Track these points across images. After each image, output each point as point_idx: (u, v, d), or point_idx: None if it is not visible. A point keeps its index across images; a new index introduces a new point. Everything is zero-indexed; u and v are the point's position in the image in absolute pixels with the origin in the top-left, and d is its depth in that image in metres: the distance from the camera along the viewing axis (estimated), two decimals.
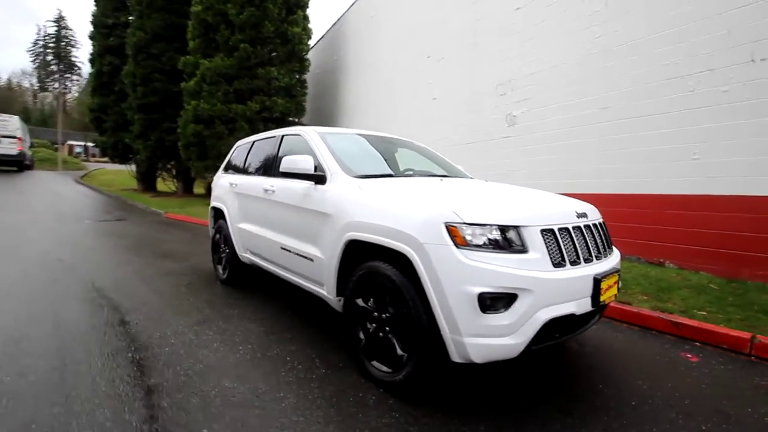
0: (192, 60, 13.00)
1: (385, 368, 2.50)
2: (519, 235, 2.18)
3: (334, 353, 3.04)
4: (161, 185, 19.92)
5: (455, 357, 2.15)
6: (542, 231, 2.23)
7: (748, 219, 4.61)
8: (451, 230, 2.15)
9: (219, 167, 5.73)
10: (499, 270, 2.08)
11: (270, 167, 4.11)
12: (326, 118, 14.87)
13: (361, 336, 2.68)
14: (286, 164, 3.23)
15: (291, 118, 13.92)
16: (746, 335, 3.25)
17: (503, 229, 2.17)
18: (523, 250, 2.16)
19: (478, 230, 2.14)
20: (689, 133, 5.08)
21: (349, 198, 2.85)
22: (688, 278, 4.76)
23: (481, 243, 2.12)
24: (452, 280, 2.10)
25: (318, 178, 3.19)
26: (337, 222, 2.86)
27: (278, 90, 13.55)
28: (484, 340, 2.07)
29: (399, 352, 2.42)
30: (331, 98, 14.86)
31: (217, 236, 4.99)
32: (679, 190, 5.18)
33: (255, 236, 4.10)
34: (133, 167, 20.04)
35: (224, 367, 2.79)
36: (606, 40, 5.97)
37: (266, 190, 3.90)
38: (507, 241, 2.16)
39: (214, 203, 5.09)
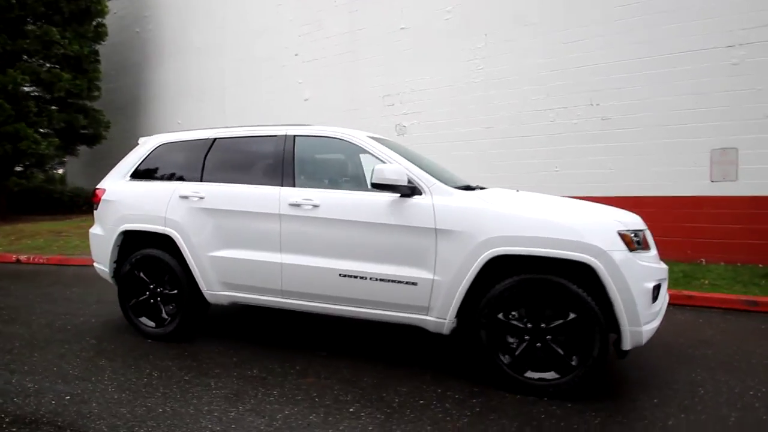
0: None
1: (550, 375, 2.64)
2: (646, 237, 2.84)
3: (462, 384, 2.87)
4: None
5: (628, 345, 2.56)
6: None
7: None
8: (624, 237, 2.61)
9: None
10: (654, 266, 2.69)
11: (279, 174, 3.33)
12: (127, 106, 12.10)
13: (500, 353, 2.71)
14: (379, 176, 2.85)
15: (83, 101, 10.70)
16: None
17: (641, 233, 2.79)
18: (649, 248, 2.84)
19: (634, 235, 2.69)
20: (552, 152, 6.95)
21: (484, 211, 2.77)
22: None
23: (636, 246, 2.67)
24: (634, 279, 2.49)
25: (410, 190, 2.93)
26: (468, 239, 2.74)
27: (63, 60, 10.20)
28: (650, 325, 2.61)
29: (574, 362, 2.59)
30: (133, 82, 12.16)
31: (139, 273, 3.62)
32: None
33: (255, 264, 3.26)
34: None
35: None
36: (487, 72, 7.39)
37: (294, 205, 3.16)
38: (645, 242, 2.79)
39: (131, 225, 3.62)
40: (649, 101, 6.27)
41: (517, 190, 3.40)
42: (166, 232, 3.47)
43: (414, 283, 2.86)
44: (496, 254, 2.67)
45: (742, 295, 4.58)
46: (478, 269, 2.70)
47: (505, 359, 2.71)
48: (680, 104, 6.08)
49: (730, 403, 2.58)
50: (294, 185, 3.26)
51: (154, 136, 3.98)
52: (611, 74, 6.49)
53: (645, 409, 2.53)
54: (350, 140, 3.28)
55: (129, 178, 3.84)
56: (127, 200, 3.71)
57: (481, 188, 3.30)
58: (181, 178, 3.64)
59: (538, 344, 2.65)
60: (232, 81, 10.37)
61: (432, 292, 2.82)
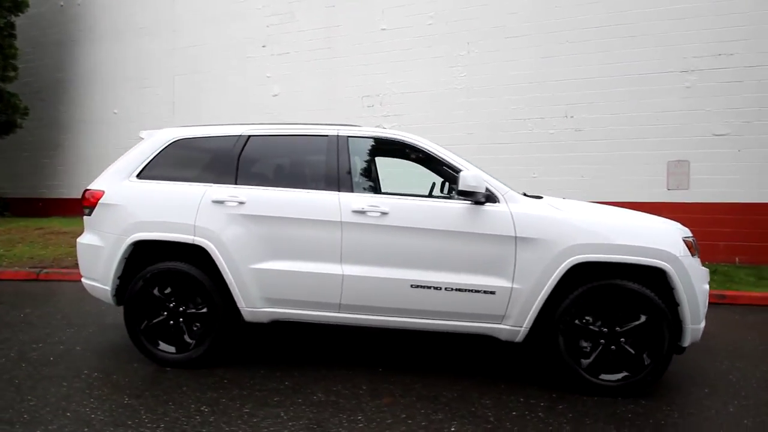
0: None
1: (622, 375, 2.80)
2: (693, 242, 3.14)
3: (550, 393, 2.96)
4: None
5: (687, 342, 2.82)
6: None
7: None
8: (687, 243, 2.87)
9: None
10: (705, 269, 2.99)
11: (334, 178, 3.10)
12: (45, 90, 10.57)
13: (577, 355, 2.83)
14: (465, 183, 2.82)
15: None
16: None
17: (694, 239, 3.06)
18: (696, 254, 3.13)
19: (693, 242, 2.98)
20: (530, 159, 7.38)
21: (565, 220, 2.87)
22: None
23: (695, 251, 2.95)
24: (698, 281, 2.77)
25: (486, 197, 2.92)
26: (550, 246, 2.80)
27: None
28: (703, 322, 2.88)
29: (646, 360, 2.77)
30: (54, 62, 10.67)
31: (154, 291, 3.14)
32: None
33: (310, 277, 3.02)
34: None
35: None
36: (469, 80, 7.63)
37: (358, 212, 2.97)
38: (697, 247, 3.09)
39: (147, 235, 3.10)
40: (617, 116, 6.94)
41: (564, 198, 3.56)
42: (197, 243, 3.04)
43: (492, 292, 2.86)
44: (578, 261, 2.76)
45: None
46: (559, 277, 2.77)
47: (583, 363, 2.81)
48: (643, 120, 6.82)
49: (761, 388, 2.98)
50: (352, 191, 3.07)
51: (163, 131, 3.47)
52: (584, 89, 7.07)
53: (704, 400, 2.81)
54: (413, 143, 3.20)
55: (135, 179, 3.29)
56: (138, 205, 3.19)
57: (538, 197, 3.40)
58: (208, 180, 3.21)
59: (613, 347, 2.80)
60: (185, 69, 9.49)
61: (510, 301, 2.85)
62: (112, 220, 3.20)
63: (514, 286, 2.83)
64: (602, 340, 2.81)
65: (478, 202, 2.90)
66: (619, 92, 6.91)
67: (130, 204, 3.20)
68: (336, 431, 2.34)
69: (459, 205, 2.94)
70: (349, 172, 3.12)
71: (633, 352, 2.78)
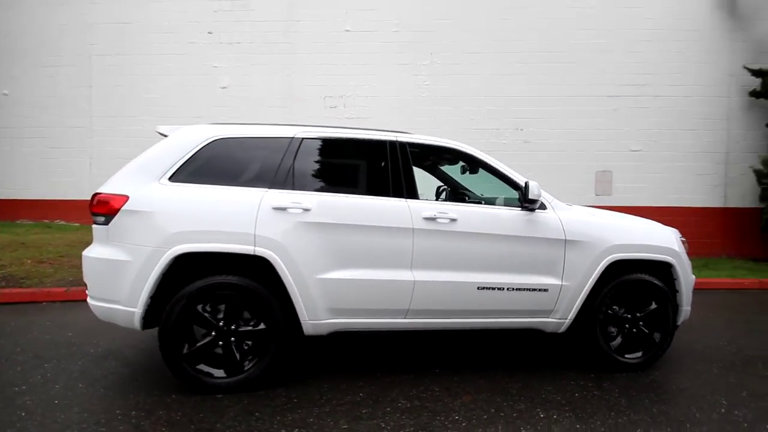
0: None
1: (638, 354, 3.36)
2: (684, 241, 3.90)
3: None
4: None
5: (680, 321, 3.49)
6: None
7: None
8: (682, 241, 3.58)
9: None
10: (690, 262, 3.71)
11: (399, 185, 3.12)
12: None
13: (601, 338, 3.31)
14: (532, 192, 3.10)
15: None
16: None
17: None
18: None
19: (683, 241, 3.68)
20: None
21: (603, 224, 3.35)
22: None
23: (686, 248, 3.67)
24: (689, 272, 3.45)
25: (539, 205, 3.24)
26: (593, 247, 3.22)
27: None
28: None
29: (656, 338, 3.38)
30: None
31: (197, 309, 2.78)
32: None
33: (382, 284, 3.02)
34: None
35: None
36: (432, 88, 8.01)
37: (429, 219, 3.05)
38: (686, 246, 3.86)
39: (195, 246, 2.76)
40: (557, 131, 8.01)
41: (570, 204, 4.17)
42: (259, 254, 2.79)
43: (545, 290, 3.22)
44: (615, 259, 3.26)
45: None
46: (600, 273, 3.25)
47: (612, 346, 3.32)
48: (577, 135, 7.99)
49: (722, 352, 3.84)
50: (417, 197, 3.15)
51: (194, 127, 3.08)
52: (531, 106, 8.00)
53: (696, 365, 3.49)
54: (472, 154, 3.42)
55: (168, 182, 2.87)
56: (179, 212, 2.79)
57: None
58: (259, 185, 2.96)
59: (634, 330, 3.38)
60: (105, 48, 8.13)
61: (559, 297, 3.25)
62: (143, 230, 2.74)
63: (563, 283, 3.21)
64: (627, 325, 3.35)
65: (531, 209, 3.20)
66: (559, 110, 7.98)
67: (168, 211, 2.78)
68: None
69: (517, 212, 3.22)
70: (412, 179, 3.17)
71: (647, 332, 3.37)
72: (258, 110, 7.80)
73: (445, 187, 4.38)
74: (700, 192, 8.03)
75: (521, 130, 8.05)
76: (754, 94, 7.80)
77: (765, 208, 7.68)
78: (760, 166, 7.64)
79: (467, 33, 8.00)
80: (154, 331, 2.88)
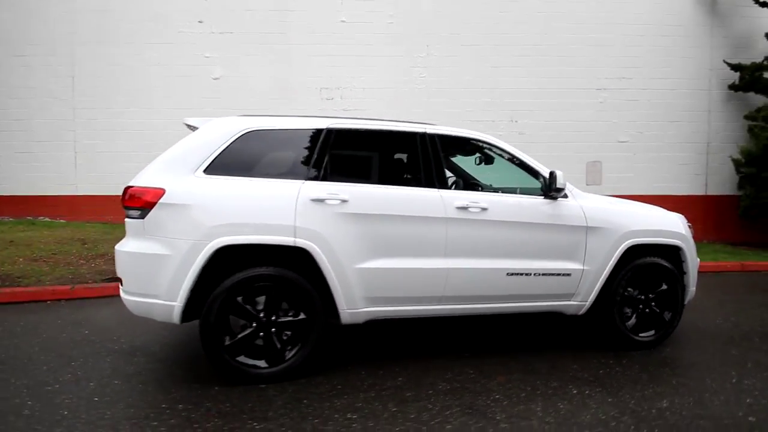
0: None
1: (650, 333, 3.54)
2: (690, 225, 4.11)
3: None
4: None
5: (686, 301, 3.69)
6: None
7: None
8: (688, 227, 3.77)
9: None
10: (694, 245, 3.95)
11: (430, 175, 3.19)
12: None
13: (619, 317, 3.47)
14: (559, 181, 3.22)
15: None
16: None
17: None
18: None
19: (689, 225, 3.88)
20: None
21: (620, 210, 3.51)
22: None
23: (692, 232, 3.89)
24: (695, 255, 3.67)
25: (562, 194, 3.34)
26: (612, 233, 3.38)
27: None
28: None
29: (667, 317, 3.56)
30: None
31: (238, 301, 2.79)
32: None
33: (417, 273, 3.09)
34: None
35: None
36: (429, 80, 8.05)
37: (461, 208, 3.13)
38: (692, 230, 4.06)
39: (236, 239, 2.76)
40: (550, 122, 8.21)
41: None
42: (299, 245, 2.81)
43: (568, 274, 3.37)
44: (632, 244, 3.41)
45: None
46: (618, 257, 3.40)
47: (628, 326, 3.48)
48: (569, 126, 8.21)
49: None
50: (448, 187, 3.26)
51: (226, 119, 3.05)
52: (525, 98, 8.16)
53: (700, 341, 3.71)
54: (501, 146, 3.51)
55: (203, 174, 2.84)
56: (219, 205, 2.79)
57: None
58: (294, 177, 2.97)
59: (647, 310, 3.55)
60: (89, 37, 7.77)
61: (580, 280, 3.39)
62: (183, 224, 2.72)
63: (585, 267, 3.36)
64: (640, 306, 3.52)
65: (554, 198, 3.31)
66: (552, 103, 8.18)
67: (207, 204, 2.76)
68: (491, 412, 2.48)
69: (541, 201, 3.33)
70: (442, 169, 3.24)
71: (659, 311, 3.54)
72: (255, 103, 7.64)
73: (456, 178, 4.43)
74: (683, 180, 8.42)
75: (516, 122, 8.20)
76: (732, 87, 8.22)
77: (743, 195, 8.12)
78: (738, 156, 8.07)
79: (463, 25, 8.07)
80: (174, 326, 2.85)
